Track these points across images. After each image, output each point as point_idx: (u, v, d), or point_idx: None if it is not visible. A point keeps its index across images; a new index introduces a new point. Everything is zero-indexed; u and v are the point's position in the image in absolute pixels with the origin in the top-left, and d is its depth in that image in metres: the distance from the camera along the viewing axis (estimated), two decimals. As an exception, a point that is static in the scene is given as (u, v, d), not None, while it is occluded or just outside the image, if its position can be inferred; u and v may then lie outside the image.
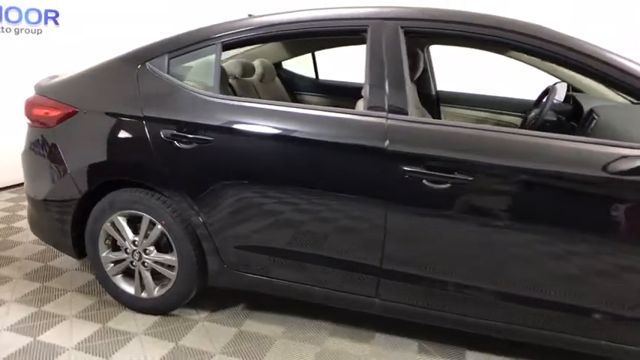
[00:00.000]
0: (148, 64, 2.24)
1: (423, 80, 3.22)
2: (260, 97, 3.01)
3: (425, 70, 3.22)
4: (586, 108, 2.48)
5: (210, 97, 2.12)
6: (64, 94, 2.37)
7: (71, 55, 4.36)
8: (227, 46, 2.18)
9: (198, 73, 2.25)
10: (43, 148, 2.40)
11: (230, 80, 2.79)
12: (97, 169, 2.28)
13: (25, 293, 2.55)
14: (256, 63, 3.11)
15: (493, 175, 1.78)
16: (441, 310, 1.97)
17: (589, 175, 1.69)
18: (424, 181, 1.81)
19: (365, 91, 1.96)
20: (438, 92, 3.32)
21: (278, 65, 3.55)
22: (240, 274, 2.20)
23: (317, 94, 3.52)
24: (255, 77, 3.05)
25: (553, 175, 1.72)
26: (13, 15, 4.17)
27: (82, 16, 4.59)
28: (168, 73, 2.21)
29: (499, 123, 3.19)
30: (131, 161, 2.23)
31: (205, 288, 2.33)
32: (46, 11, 4.38)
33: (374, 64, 1.95)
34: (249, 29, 2.14)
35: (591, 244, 1.73)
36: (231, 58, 3.22)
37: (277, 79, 3.39)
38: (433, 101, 3.29)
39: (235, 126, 2.05)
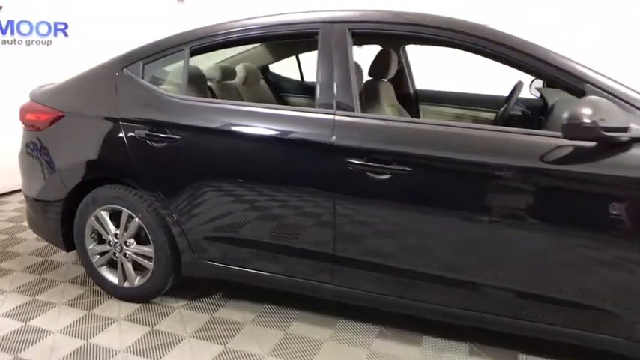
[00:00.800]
0: (125, 70, 2.43)
1: (401, 79, 3.33)
2: (242, 99, 3.18)
3: (402, 70, 3.33)
4: (551, 102, 2.56)
5: (178, 98, 2.30)
6: (53, 100, 2.59)
7: (80, 64, 4.61)
8: (194, 52, 2.35)
9: (169, 77, 2.43)
10: (35, 150, 2.63)
11: (210, 83, 2.97)
12: (80, 168, 2.48)
13: (23, 284, 2.78)
14: (239, 67, 3.28)
15: (429, 166, 1.89)
16: (392, 296, 2.08)
17: (514, 165, 1.78)
18: (367, 173, 1.93)
19: (316, 90, 2.10)
20: (416, 91, 3.42)
21: (265, 68, 3.72)
22: (210, 263, 2.36)
23: (302, 95, 3.66)
24: (237, 80, 3.22)
25: (480, 165, 1.82)
26: (25, 28, 4.47)
27: (90, 28, 4.86)
28: (142, 77, 2.40)
29: (476, 119, 3.28)
30: (110, 160, 2.42)
31: (181, 278, 2.49)
32: (56, 24, 4.67)
33: (323, 65, 2.08)
34: (213, 35, 2.31)
35: (522, 231, 1.82)
36: (223, 61, 3.42)
37: (262, 82, 3.56)
38: (412, 99, 3.39)
39: (198, 125, 2.22)
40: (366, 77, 2.91)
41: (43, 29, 4.59)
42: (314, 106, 2.10)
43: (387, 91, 2.95)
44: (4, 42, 4.34)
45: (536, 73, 1.88)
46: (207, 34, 2.32)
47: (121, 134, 2.35)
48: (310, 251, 2.14)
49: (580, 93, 1.75)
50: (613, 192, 1.69)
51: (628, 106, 1.69)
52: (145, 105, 2.34)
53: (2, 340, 2.25)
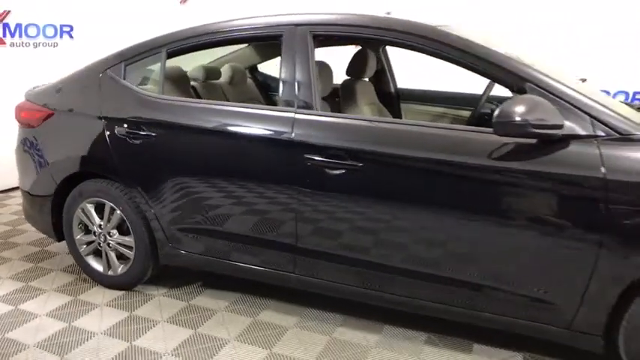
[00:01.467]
0: (108, 71, 2.59)
1: (382, 78, 3.43)
2: (227, 99, 3.31)
3: (382, 69, 3.42)
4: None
5: (154, 98, 2.44)
6: (44, 99, 2.77)
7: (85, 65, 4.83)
8: (171, 54, 2.50)
9: (149, 78, 2.57)
10: (28, 146, 2.80)
11: (194, 84, 3.11)
12: (67, 163, 2.64)
13: (19, 271, 2.96)
14: (226, 67, 3.42)
15: (378, 161, 1.99)
16: (348, 285, 2.19)
17: (451, 160, 1.87)
18: (324, 168, 2.05)
19: (279, 89, 2.22)
20: (397, 90, 3.51)
21: (254, 68, 3.85)
22: (184, 253, 2.50)
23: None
24: (223, 80, 3.35)
25: (422, 160, 1.92)
26: (32, 31, 4.69)
27: (95, 30, 5.05)
28: (124, 78, 2.55)
29: (456, 117, 3.35)
30: (94, 156, 2.57)
31: (160, 267, 2.64)
32: (62, 26, 4.88)
33: (287, 65, 2.20)
34: (187, 38, 2.45)
35: (462, 224, 1.91)
36: (214, 61, 3.57)
37: (250, 81, 3.69)
38: (393, 98, 3.48)
39: (170, 122, 2.37)
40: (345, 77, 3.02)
41: (50, 32, 4.80)
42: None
43: (364, 90, 3.05)
44: (12, 44, 4.55)
45: (479, 71, 1.95)
46: (182, 36, 2.46)
47: (104, 131, 2.50)
48: (275, 242, 2.26)
49: (521, 91, 1.83)
50: (549, 187, 1.76)
51: (568, 105, 1.77)
52: (125, 104, 2.49)
53: (-7, 322, 2.43)
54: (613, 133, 1.72)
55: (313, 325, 2.37)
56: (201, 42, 2.44)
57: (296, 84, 2.17)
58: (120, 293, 2.70)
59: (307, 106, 2.14)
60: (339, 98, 2.95)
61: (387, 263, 2.06)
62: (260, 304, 2.58)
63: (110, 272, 2.71)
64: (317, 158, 2.05)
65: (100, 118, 2.52)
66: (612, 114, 1.75)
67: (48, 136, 2.72)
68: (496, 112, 1.68)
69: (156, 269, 2.65)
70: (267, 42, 2.57)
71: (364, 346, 2.21)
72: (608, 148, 1.70)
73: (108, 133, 2.49)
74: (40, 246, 3.34)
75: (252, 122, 2.24)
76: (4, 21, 4.50)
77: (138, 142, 2.43)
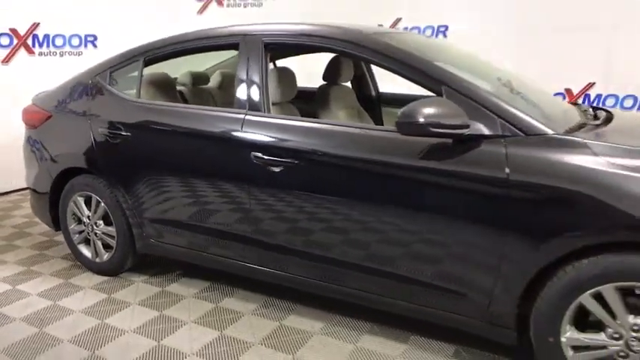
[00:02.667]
0: (97, 77, 2.88)
1: (362, 83, 3.57)
2: (216, 103, 3.55)
3: (363, 74, 3.56)
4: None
5: (131, 101, 2.70)
6: (45, 103, 3.09)
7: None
8: (148, 62, 2.75)
9: (129, 83, 2.83)
10: (31, 144, 3.14)
11: (181, 89, 3.37)
12: (61, 160, 2.95)
13: (24, 257, 3.31)
14: (216, 73, 3.67)
15: (310, 159, 2.15)
16: (289, 273, 2.36)
17: (369, 158, 2.02)
18: (266, 165, 2.23)
19: (235, 92, 2.42)
20: (379, 94, 3.63)
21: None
22: (156, 243, 2.75)
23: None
24: (212, 85, 3.60)
25: (344, 158, 2.07)
26: (59, 41, 5.13)
27: (117, 40, 5.43)
28: (109, 84, 2.83)
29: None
30: (82, 153, 2.86)
31: (138, 255, 2.89)
32: (86, 36, 5.31)
33: (241, 71, 2.40)
34: (161, 47, 2.70)
35: (383, 219, 2.04)
36: (213, 66, 3.83)
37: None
38: (374, 102, 3.61)
39: (142, 123, 2.62)
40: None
41: (75, 41, 5.23)
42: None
43: (340, 94, 3.19)
44: (40, 53, 5.00)
45: (404, 75, 2.07)
46: (157, 45, 2.72)
47: (89, 131, 2.79)
48: (230, 234, 2.46)
49: (439, 93, 1.95)
50: (460, 185, 1.86)
51: (478, 106, 1.87)
52: (107, 107, 2.77)
53: (-8, 299, 2.76)
54: (520, 133, 1.81)
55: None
56: (173, 50, 2.69)
57: (248, 88, 2.36)
58: (105, 278, 2.98)
59: (257, 108, 2.33)
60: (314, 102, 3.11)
61: (323, 254, 2.21)
62: (226, 291, 2.77)
63: (97, 259, 2.99)
64: (261, 156, 2.24)
65: (87, 119, 2.81)
66: (520, 115, 1.83)
67: (46, 135, 3.04)
68: (399, 114, 1.81)
69: (136, 258, 2.91)
70: (229, 49, 2.76)
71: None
72: (513, 148, 1.79)
73: (93, 133, 2.77)
74: (49, 236, 3.68)
75: (210, 123, 2.44)
76: (34, 32, 4.95)
77: (117, 141, 2.69)
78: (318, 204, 2.16)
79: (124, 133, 2.66)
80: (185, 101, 3.32)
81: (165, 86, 3.09)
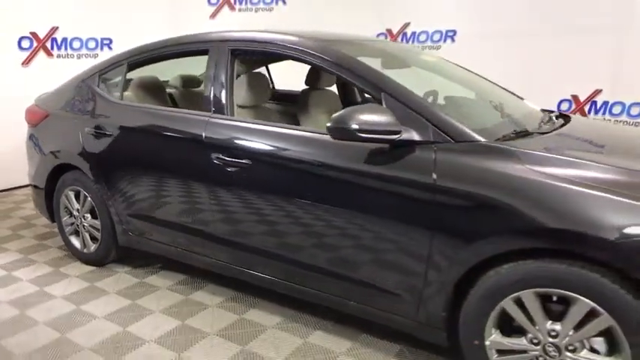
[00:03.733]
0: (87, 80, 3.08)
1: (347, 89, 3.65)
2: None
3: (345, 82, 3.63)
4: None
5: (114, 102, 2.88)
6: (43, 103, 3.32)
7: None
8: (131, 66, 2.93)
9: (114, 86, 3.02)
10: (32, 141, 3.37)
11: (172, 91, 3.54)
12: (54, 156, 3.16)
13: (25, 246, 3.55)
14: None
15: (259, 159, 2.26)
16: (242, 268, 2.50)
17: (307, 159, 2.14)
18: (224, 165, 2.35)
19: (203, 95, 2.55)
20: (365, 99, 3.69)
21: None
22: (134, 236, 2.91)
23: (272, 101, 4.10)
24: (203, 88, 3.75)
25: (286, 158, 2.20)
26: (76, 44, 5.42)
27: (131, 42, 5.68)
28: (97, 87, 3.02)
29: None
30: (71, 151, 3.06)
31: (120, 247, 3.06)
32: (102, 39, 5.59)
33: (208, 75, 2.54)
34: (141, 53, 2.87)
35: (320, 217, 2.13)
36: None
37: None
38: (359, 106, 3.67)
39: (122, 123, 2.79)
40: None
41: (91, 44, 5.52)
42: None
43: (322, 99, 3.29)
44: (58, 56, 5.30)
45: (351, 82, 2.16)
46: (137, 51, 2.89)
47: (78, 130, 2.98)
48: (197, 230, 2.59)
49: (379, 100, 2.03)
50: (392, 189, 1.93)
51: (413, 113, 1.94)
52: (94, 107, 2.96)
53: (-13, 283, 2.99)
54: (450, 140, 1.87)
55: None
56: (152, 56, 2.85)
57: (215, 91, 2.50)
58: (92, 268, 3.17)
59: (221, 111, 2.46)
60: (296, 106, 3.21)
61: (274, 252, 2.32)
62: (197, 285, 2.92)
63: (85, 250, 3.19)
64: (221, 157, 2.36)
65: (76, 119, 3.01)
66: (451, 122, 1.89)
67: (43, 133, 3.26)
68: (331, 119, 1.89)
69: (119, 250, 3.08)
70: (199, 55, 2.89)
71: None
72: (442, 154, 1.85)
73: (81, 132, 2.97)
74: (51, 228, 3.92)
75: (179, 124, 2.59)
76: (53, 36, 5.25)
77: (101, 139, 2.88)
78: (268, 204, 2.27)
79: (107, 132, 2.84)
80: (175, 103, 3.49)
81: (154, 89, 3.27)
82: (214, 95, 2.49)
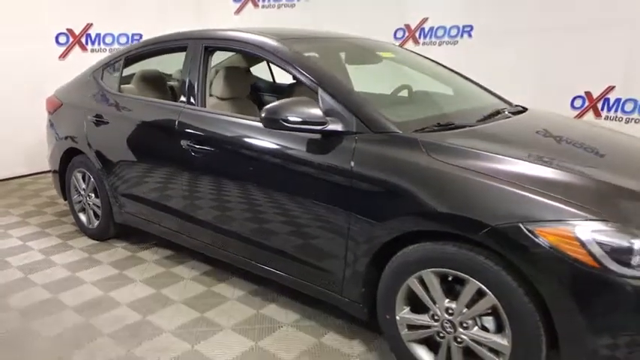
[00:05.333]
0: (94, 72, 3.44)
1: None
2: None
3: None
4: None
5: (112, 93, 3.22)
6: (60, 93, 3.73)
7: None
8: (128, 61, 3.26)
9: (114, 78, 3.35)
10: (49, 127, 3.79)
11: (173, 84, 3.85)
12: (64, 142, 3.56)
13: (44, 221, 3.99)
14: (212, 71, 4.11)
15: (223, 147, 2.50)
16: (205, 242, 2.77)
17: (252, 145, 2.37)
18: (191, 151, 2.62)
19: (180, 88, 2.83)
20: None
21: (247, 70, 4.48)
22: (127, 214, 3.25)
23: (273, 94, 4.34)
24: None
25: (237, 144, 2.43)
26: (109, 39, 5.89)
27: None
28: (101, 79, 3.38)
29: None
30: (77, 136, 3.44)
31: (117, 224, 3.41)
32: (132, 35, 6.01)
33: (185, 69, 2.81)
34: (135, 49, 3.19)
35: (260, 198, 2.36)
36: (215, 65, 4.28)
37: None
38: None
39: (116, 112, 3.12)
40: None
41: (122, 40, 5.96)
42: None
43: (305, 92, 3.50)
44: (92, 50, 5.78)
45: (295, 77, 2.35)
46: (133, 47, 3.21)
47: (83, 118, 3.35)
48: (171, 209, 2.88)
49: (317, 93, 2.21)
50: (319, 175, 2.11)
51: (340, 106, 2.11)
52: (96, 98, 3.31)
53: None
54: (369, 131, 2.04)
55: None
56: (144, 51, 3.16)
57: (190, 84, 2.76)
58: (95, 242, 3.55)
59: (193, 102, 2.72)
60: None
61: (228, 229, 2.57)
62: (180, 260, 3.21)
63: (90, 226, 3.58)
64: (188, 143, 2.63)
65: (83, 108, 3.38)
66: (371, 114, 2.06)
67: (58, 120, 3.66)
68: (263, 109, 2.10)
69: (116, 226, 3.43)
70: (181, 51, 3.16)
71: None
72: (360, 144, 2.02)
73: (85, 119, 3.33)
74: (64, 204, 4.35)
75: (160, 113, 2.87)
76: (87, 32, 5.74)
77: (100, 127, 3.23)
78: (224, 188, 2.52)
79: (105, 120, 3.18)
80: (175, 95, 3.80)
81: (156, 81, 3.58)
82: (189, 87, 2.76)
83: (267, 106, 2.10)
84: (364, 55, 3.02)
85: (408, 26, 6.28)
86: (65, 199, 3.82)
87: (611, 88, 4.97)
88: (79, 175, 3.54)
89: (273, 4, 6.67)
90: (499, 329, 1.77)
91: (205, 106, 2.72)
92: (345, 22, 6.19)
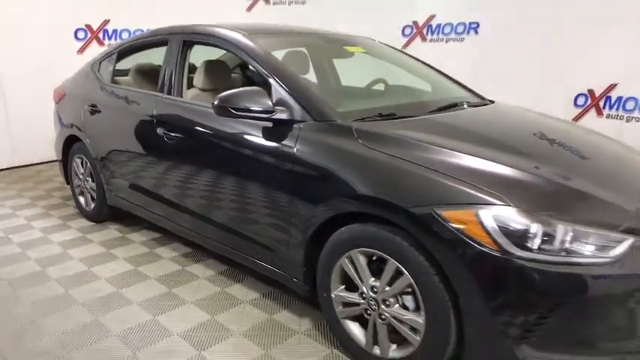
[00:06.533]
0: (93, 65, 3.69)
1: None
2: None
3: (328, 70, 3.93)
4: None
5: (105, 84, 3.45)
6: (64, 84, 4.00)
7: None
8: (120, 55, 3.48)
9: (108, 70, 3.58)
10: (55, 116, 4.07)
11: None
12: (66, 129, 3.82)
13: (51, 204, 4.29)
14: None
15: (189, 134, 2.68)
16: (172, 221, 2.96)
17: (212, 131, 2.54)
18: (164, 137, 2.81)
19: (159, 79, 3.02)
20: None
21: (245, 66, 4.65)
22: (118, 197, 3.48)
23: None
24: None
25: (207, 134, 2.58)
26: (124, 35, 6.16)
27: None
28: (98, 71, 3.62)
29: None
30: (76, 124, 3.69)
31: (109, 207, 3.65)
32: (148, 30, 6.28)
33: (166, 61, 3.00)
34: (124, 44, 3.41)
35: (220, 180, 2.53)
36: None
37: (234, 76, 4.51)
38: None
39: (107, 101, 3.35)
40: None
41: (139, 35, 6.26)
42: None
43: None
44: (109, 45, 6.09)
45: (255, 68, 2.49)
46: (124, 42, 3.44)
47: (80, 108, 3.60)
48: (150, 192, 3.09)
49: (268, 87, 2.35)
50: (268, 160, 2.26)
51: (288, 96, 2.25)
52: (91, 89, 3.56)
53: (7, 229, 3.72)
54: (312, 119, 2.17)
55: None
56: (134, 46, 3.39)
57: (168, 75, 2.95)
58: (91, 224, 3.81)
59: (169, 92, 2.91)
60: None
61: (193, 209, 2.76)
62: (164, 242, 3.42)
63: (87, 208, 3.83)
64: (162, 130, 2.82)
65: (81, 98, 3.63)
66: (315, 104, 2.19)
67: (61, 110, 3.94)
68: (216, 97, 2.25)
69: (108, 208, 3.67)
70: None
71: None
72: (304, 131, 2.16)
73: (82, 109, 3.58)
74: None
75: (142, 102, 3.07)
76: (105, 28, 6.05)
77: (94, 115, 3.47)
78: (190, 171, 2.71)
79: (98, 109, 3.42)
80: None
81: (150, 74, 3.79)
82: (167, 78, 2.95)
83: (220, 95, 2.25)
84: (332, 49, 3.15)
85: (415, 23, 6.33)
86: (68, 184, 4.09)
87: (613, 86, 4.90)
88: (79, 161, 3.80)
89: (284, 1, 6.84)
90: (418, 308, 1.87)
91: (182, 97, 2.90)
92: (354, 18, 6.31)
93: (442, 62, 5.89)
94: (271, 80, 2.34)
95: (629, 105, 4.80)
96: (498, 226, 1.63)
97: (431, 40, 6.28)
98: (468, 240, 1.65)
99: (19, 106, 5.54)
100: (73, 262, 3.13)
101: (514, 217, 1.63)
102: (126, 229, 3.69)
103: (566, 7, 5.04)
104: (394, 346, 1.97)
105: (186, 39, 2.94)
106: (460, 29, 6.08)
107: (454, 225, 1.67)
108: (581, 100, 5.18)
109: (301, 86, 2.32)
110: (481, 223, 1.64)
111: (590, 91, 5.08)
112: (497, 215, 1.63)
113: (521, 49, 5.45)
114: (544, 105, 5.11)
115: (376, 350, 2.01)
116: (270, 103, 2.21)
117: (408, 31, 6.40)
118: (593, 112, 5.10)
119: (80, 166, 3.79)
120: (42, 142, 5.71)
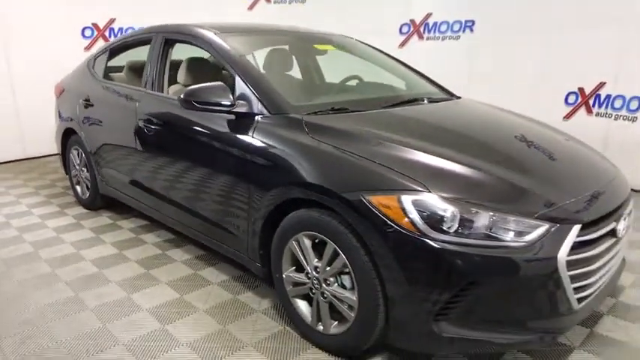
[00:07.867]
0: (89, 61, 3.93)
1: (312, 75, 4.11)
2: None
3: (313, 68, 4.09)
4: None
5: (98, 80, 3.68)
6: (63, 81, 4.25)
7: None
8: (112, 52, 3.71)
9: (101, 67, 3.81)
10: (56, 110, 4.33)
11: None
12: (64, 122, 4.07)
13: (52, 193, 4.55)
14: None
15: (169, 125, 2.87)
16: (153, 208, 3.16)
17: (180, 123, 2.74)
18: (145, 128, 3.02)
19: (144, 74, 3.22)
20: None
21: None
22: (108, 186, 3.71)
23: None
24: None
25: (167, 121, 2.78)
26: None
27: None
28: (93, 68, 3.85)
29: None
30: (72, 118, 3.93)
31: (101, 195, 3.88)
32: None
33: (149, 58, 3.20)
34: (117, 42, 3.63)
35: (182, 166, 2.74)
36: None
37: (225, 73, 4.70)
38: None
39: (98, 95, 3.57)
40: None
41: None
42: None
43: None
44: (115, 43, 6.36)
45: (221, 63, 2.67)
46: (116, 41, 3.66)
47: (76, 102, 3.84)
48: (134, 181, 3.30)
49: (233, 82, 2.53)
50: (229, 151, 2.43)
51: (250, 90, 2.43)
52: (86, 84, 3.79)
53: (9, 216, 3.98)
54: (267, 112, 2.34)
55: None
56: (125, 43, 3.60)
57: (151, 71, 3.16)
58: (85, 211, 4.05)
59: (152, 87, 3.12)
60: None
61: (167, 196, 2.96)
62: (151, 229, 3.63)
63: (83, 196, 4.08)
64: (142, 122, 3.03)
65: (77, 93, 3.87)
66: (272, 98, 2.36)
67: (60, 104, 4.18)
68: (183, 91, 2.44)
69: (101, 197, 3.90)
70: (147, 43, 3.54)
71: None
72: (260, 124, 2.33)
73: (77, 103, 3.82)
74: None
75: (127, 96, 3.29)
76: (111, 26, 6.32)
77: (87, 108, 3.70)
78: (165, 160, 2.91)
79: (91, 103, 3.65)
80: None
81: (141, 70, 4.00)
82: (150, 74, 3.15)
83: (187, 89, 2.44)
84: (304, 48, 3.32)
85: (413, 21, 6.44)
86: (67, 174, 4.34)
87: (602, 85, 4.94)
88: (75, 152, 4.04)
89: (284, 0, 7.00)
90: (353, 287, 2.02)
91: (162, 92, 3.10)
92: (353, 16, 6.46)
93: (438, 60, 6.00)
94: (235, 76, 2.51)
95: (617, 103, 4.84)
96: (418, 211, 1.77)
97: (428, 38, 6.38)
98: (390, 223, 1.80)
99: (29, 100, 5.83)
100: (64, 245, 3.36)
101: (434, 203, 1.77)
102: (117, 216, 3.92)
103: (559, 7, 5.10)
104: (335, 323, 2.13)
105: (168, 37, 3.14)
106: (456, 27, 6.17)
107: (379, 209, 1.82)
108: (571, 99, 5.23)
109: (261, 82, 2.49)
110: (403, 208, 1.79)
111: (581, 89, 5.13)
112: (418, 200, 1.78)
113: (515, 48, 5.52)
114: (537, 102, 5.21)
115: (320, 327, 2.18)
116: (230, 97, 2.39)
117: (405, 29, 6.51)
118: (583, 110, 5.15)
119: (77, 157, 4.03)
120: (50, 136, 6.01)
